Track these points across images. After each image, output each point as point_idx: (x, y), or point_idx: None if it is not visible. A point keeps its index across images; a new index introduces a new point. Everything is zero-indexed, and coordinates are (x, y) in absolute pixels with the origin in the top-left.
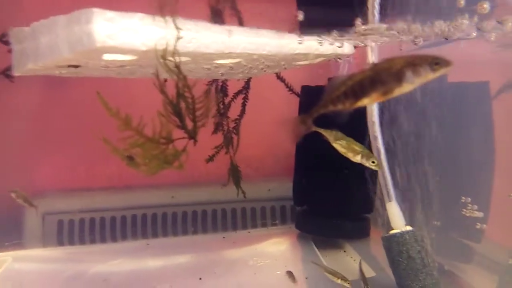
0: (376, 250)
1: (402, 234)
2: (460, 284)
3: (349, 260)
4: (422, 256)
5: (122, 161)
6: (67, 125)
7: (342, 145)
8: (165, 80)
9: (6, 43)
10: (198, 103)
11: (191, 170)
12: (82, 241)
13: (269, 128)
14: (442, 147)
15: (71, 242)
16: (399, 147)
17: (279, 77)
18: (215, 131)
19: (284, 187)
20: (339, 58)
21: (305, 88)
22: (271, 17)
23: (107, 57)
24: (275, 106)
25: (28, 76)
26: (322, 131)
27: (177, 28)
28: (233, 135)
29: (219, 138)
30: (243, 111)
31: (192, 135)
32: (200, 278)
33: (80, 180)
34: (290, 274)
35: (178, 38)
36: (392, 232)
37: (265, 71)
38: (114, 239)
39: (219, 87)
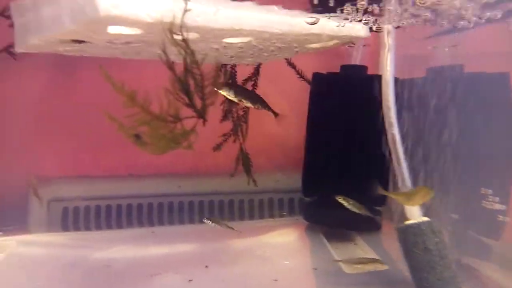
0: (387, 243)
1: (418, 224)
2: (480, 278)
3: (360, 253)
4: (440, 248)
5: (129, 140)
6: (73, 111)
7: None
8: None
9: (9, 17)
10: (206, 80)
11: (198, 160)
12: (87, 229)
13: (280, 118)
14: (460, 138)
15: (76, 229)
16: (415, 135)
17: (289, 63)
18: (224, 118)
19: (292, 179)
20: (353, 43)
21: (316, 76)
22: None
23: (111, 30)
24: (284, 95)
25: (32, 58)
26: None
27: None
28: (242, 124)
29: (225, 128)
30: None
31: (201, 114)
32: (207, 266)
33: (86, 168)
34: None
35: (186, 11)
36: (407, 222)
37: (275, 54)
38: (119, 227)
39: (228, 73)
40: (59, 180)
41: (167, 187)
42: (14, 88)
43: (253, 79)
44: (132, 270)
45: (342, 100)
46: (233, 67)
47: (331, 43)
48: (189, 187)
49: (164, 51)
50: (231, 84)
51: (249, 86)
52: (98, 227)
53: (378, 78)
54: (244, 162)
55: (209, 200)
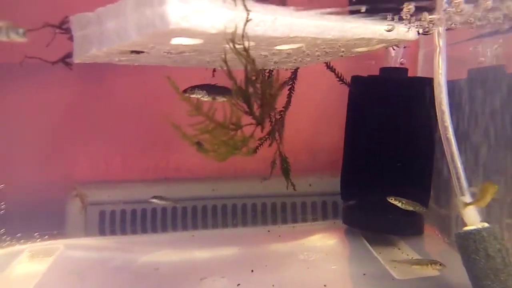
0: (430, 247)
1: (479, 231)
2: None
3: (406, 257)
4: (503, 255)
5: (193, 147)
6: (109, 117)
7: None
8: (214, 70)
9: (66, 30)
10: (265, 88)
11: (231, 163)
12: (123, 232)
13: (309, 122)
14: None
15: (113, 233)
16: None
17: (328, 66)
18: None
19: (325, 182)
20: (397, 46)
21: (355, 79)
22: None
23: (175, 41)
24: (315, 99)
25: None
26: None
27: (247, 10)
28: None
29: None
30: (288, 103)
31: (260, 121)
32: (252, 271)
33: (121, 172)
34: None
35: (248, 21)
36: (467, 228)
37: (319, 59)
38: (155, 230)
39: (266, 77)
40: (96, 184)
41: (201, 191)
42: (50, 95)
43: (290, 83)
44: (181, 273)
45: (382, 102)
46: (270, 71)
47: (378, 46)
48: (223, 190)
49: (225, 61)
50: (200, 85)
51: (285, 90)
52: (134, 231)
53: (419, 80)
54: (283, 166)
55: (242, 203)
